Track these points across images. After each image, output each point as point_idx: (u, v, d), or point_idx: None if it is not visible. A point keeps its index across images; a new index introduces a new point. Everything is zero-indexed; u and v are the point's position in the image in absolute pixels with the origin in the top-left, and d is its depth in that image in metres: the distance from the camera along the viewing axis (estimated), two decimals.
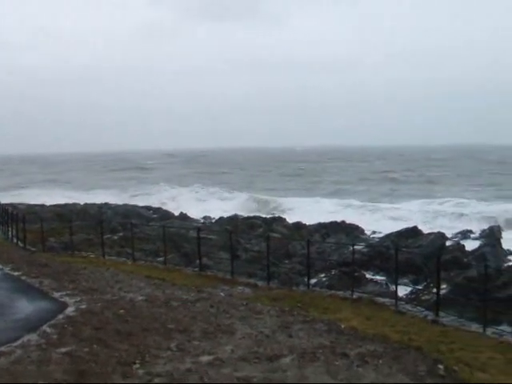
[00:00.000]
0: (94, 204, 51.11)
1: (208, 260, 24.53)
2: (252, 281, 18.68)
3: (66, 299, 14.20)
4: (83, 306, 13.36)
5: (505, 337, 12.49)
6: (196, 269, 20.93)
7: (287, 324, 11.90)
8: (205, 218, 49.17)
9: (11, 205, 42.15)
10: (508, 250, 33.49)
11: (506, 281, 22.21)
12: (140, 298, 14.41)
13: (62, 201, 54.79)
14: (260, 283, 18.16)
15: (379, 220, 47.00)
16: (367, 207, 54.22)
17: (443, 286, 21.27)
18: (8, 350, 9.96)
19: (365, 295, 16.78)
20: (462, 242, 34.81)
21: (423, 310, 15.44)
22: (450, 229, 40.14)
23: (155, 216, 47.58)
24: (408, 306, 15.78)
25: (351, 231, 40.02)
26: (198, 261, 21.16)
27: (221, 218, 44.73)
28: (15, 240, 27.16)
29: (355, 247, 21.61)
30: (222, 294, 15.61)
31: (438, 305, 14.59)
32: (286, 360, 9.49)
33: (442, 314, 14.35)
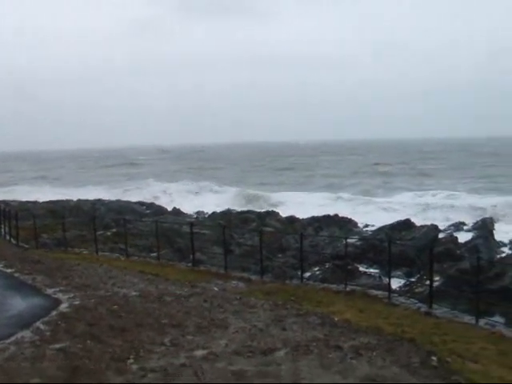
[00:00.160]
0: (87, 200, 50.91)
1: (201, 255, 24.53)
2: (245, 275, 18.71)
3: (60, 295, 14.15)
4: (76, 302, 13.33)
5: (497, 328, 12.58)
6: (189, 264, 20.94)
7: (281, 317, 11.91)
8: (198, 212, 49.16)
9: (3, 202, 42.05)
10: (500, 241, 33.63)
11: (499, 272, 22.33)
12: (133, 293, 14.40)
13: (54, 197, 54.64)
14: (253, 277, 18.19)
15: (372, 213, 47.00)
16: (360, 200, 54.27)
17: (436, 278, 21.36)
18: (1, 347, 9.93)
19: (358, 288, 16.84)
20: (455, 234, 34.90)
21: (416, 302, 15.49)
22: (441, 221, 40.28)
23: (148, 211, 47.51)
24: (401, 299, 15.83)
25: (344, 224, 40.11)
26: (191, 256, 21.16)
27: (214, 213, 44.75)
28: (8, 237, 27.09)
29: (348, 240, 21.67)
30: (215, 288, 15.63)
31: (431, 297, 14.64)
32: (280, 353, 9.50)
33: (435, 305, 14.41)
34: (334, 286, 16.96)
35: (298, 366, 8.84)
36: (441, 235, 34.74)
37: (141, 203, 52.35)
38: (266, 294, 14.73)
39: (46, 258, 20.58)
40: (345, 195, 57.95)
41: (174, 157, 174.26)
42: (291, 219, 40.70)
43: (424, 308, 14.28)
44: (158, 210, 47.97)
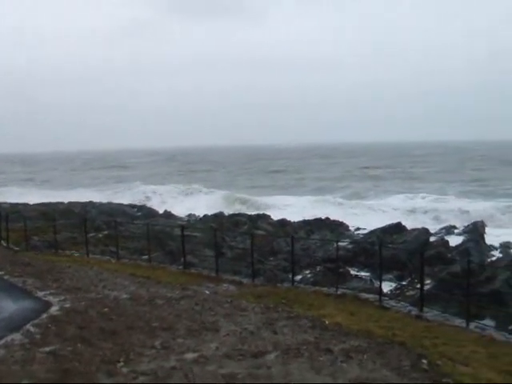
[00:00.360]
0: (79, 202, 50.82)
1: (193, 258, 24.48)
2: (237, 278, 18.71)
3: (50, 298, 14.11)
4: (67, 305, 13.29)
5: (487, 331, 12.63)
6: (180, 267, 20.91)
7: (272, 321, 11.91)
8: (189, 215, 49.10)
9: None
10: (491, 245, 33.75)
11: (490, 276, 22.36)
12: (124, 296, 14.37)
13: (45, 199, 54.46)
14: (245, 280, 18.19)
15: (363, 216, 47.10)
16: (351, 203, 54.36)
17: (427, 282, 21.42)
18: None
19: (349, 291, 16.88)
20: (446, 238, 35.01)
21: (407, 305, 15.54)
22: (432, 224, 40.44)
23: (139, 214, 47.42)
24: (392, 302, 15.87)
25: (335, 228, 40.13)
26: (182, 258, 21.14)
27: (205, 216, 44.71)
28: None
29: (340, 243, 21.74)
30: (206, 291, 15.61)
31: (421, 300, 14.69)
32: (271, 356, 9.50)
33: (425, 309, 14.46)
34: (325, 289, 16.98)
35: (288, 369, 8.84)
36: (432, 239, 34.85)
37: (132, 206, 52.30)
38: (257, 297, 14.72)
39: (36, 261, 20.48)
40: (336, 198, 58.02)
41: (165, 159, 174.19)
42: (283, 222, 40.68)
43: (415, 311, 14.32)
44: (149, 213, 47.90)
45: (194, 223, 42.54)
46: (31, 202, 50.84)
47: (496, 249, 33.40)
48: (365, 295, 16.30)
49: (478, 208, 46.76)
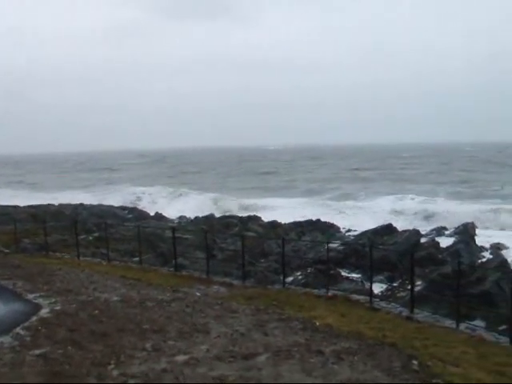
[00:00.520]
0: (69, 204, 50.57)
1: (184, 260, 24.46)
2: (227, 280, 18.69)
3: (40, 301, 14.07)
4: (57, 308, 13.25)
5: (477, 332, 12.67)
6: (171, 269, 20.90)
7: (262, 322, 11.91)
8: (180, 217, 48.95)
9: None
10: (482, 246, 33.84)
11: (480, 276, 22.44)
12: (115, 298, 14.34)
13: (36, 202, 54.17)
14: (235, 282, 18.18)
15: (353, 217, 47.12)
16: (341, 205, 54.39)
17: (418, 283, 21.49)
18: None
19: (340, 293, 16.90)
20: (437, 239, 35.04)
21: (398, 306, 15.56)
22: (421, 226, 40.47)
23: (130, 216, 47.24)
24: (383, 303, 15.89)
25: (326, 229, 40.14)
26: (173, 261, 21.11)
27: (196, 218, 44.60)
28: None
29: (330, 245, 21.74)
30: (197, 293, 15.60)
31: (412, 301, 14.72)
32: (261, 358, 9.50)
33: (416, 310, 14.49)
34: (315, 291, 17.00)
35: (279, 371, 8.84)
36: (423, 240, 34.88)
37: (123, 207, 52.14)
38: (248, 299, 14.72)
39: (26, 263, 20.42)
40: (329, 201, 58.06)
41: (155, 160, 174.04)
42: (273, 224, 40.61)
43: (405, 312, 14.36)
44: (140, 215, 47.74)
45: (185, 225, 42.42)
46: (21, 204, 50.58)
47: (486, 250, 33.43)
48: (355, 296, 16.33)
49: (468, 209, 46.88)
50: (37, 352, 9.90)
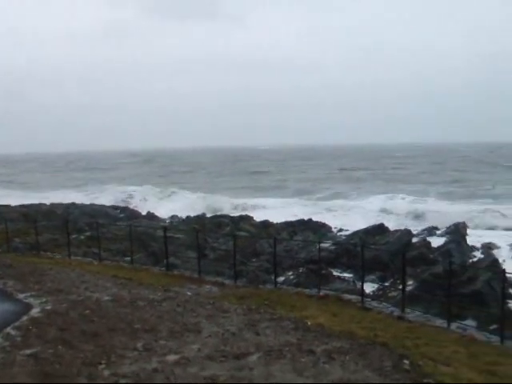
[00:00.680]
0: (61, 204, 50.41)
1: (175, 259, 24.44)
2: (219, 279, 18.70)
3: (31, 300, 14.00)
4: (48, 307, 13.19)
5: (468, 331, 12.71)
6: (163, 268, 20.87)
7: (254, 322, 11.89)
8: (172, 217, 48.87)
9: None
10: (473, 246, 33.93)
11: (471, 276, 22.50)
12: (106, 297, 14.29)
13: (27, 201, 53.92)
14: (227, 282, 18.18)
15: (345, 217, 47.19)
16: (333, 205, 54.46)
17: (410, 283, 21.52)
18: None
19: (332, 292, 16.94)
20: (428, 239, 35.08)
21: (389, 306, 15.61)
22: (412, 225, 40.55)
23: (122, 215, 47.17)
24: (374, 303, 15.94)
25: (318, 229, 40.15)
26: (165, 260, 21.08)
27: (188, 217, 44.54)
28: None
29: (322, 245, 21.75)
30: (188, 293, 15.57)
31: (403, 301, 14.76)
32: (253, 358, 9.48)
33: (407, 310, 14.53)
34: (307, 291, 17.02)
35: (270, 371, 8.83)
36: (414, 239, 34.94)
37: (114, 207, 52.03)
38: (240, 299, 14.70)
39: (18, 263, 20.33)
40: (320, 200, 58.10)
41: (144, 160, 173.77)
42: (265, 224, 40.60)
43: (397, 312, 14.39)
44: (131, 214, 47.66)
45: (176, 225, 42.35)
46: (13, 204, 50.33)
47: (477, 250, 33.54)
48: (347, 296, 16.36)
49: (460, 209, 47.02)
50: (27, 352, 9.84)
